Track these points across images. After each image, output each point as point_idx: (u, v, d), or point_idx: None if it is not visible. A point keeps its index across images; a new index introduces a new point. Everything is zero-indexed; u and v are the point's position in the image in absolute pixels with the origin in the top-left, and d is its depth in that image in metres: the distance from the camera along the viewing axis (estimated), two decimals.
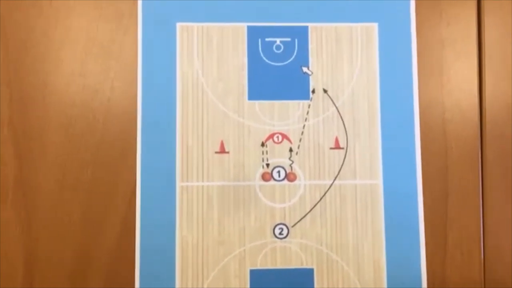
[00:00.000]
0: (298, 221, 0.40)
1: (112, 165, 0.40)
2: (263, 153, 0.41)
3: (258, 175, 0.40)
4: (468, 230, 0.41)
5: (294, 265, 0.40)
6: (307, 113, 0.41)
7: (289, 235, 0.40)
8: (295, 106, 0.41)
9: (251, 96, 0.41)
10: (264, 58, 0.42)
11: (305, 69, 0.42)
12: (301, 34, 0.42)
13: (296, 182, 0.41)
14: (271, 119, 0.41)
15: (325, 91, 0.41)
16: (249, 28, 0.42)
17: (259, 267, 0.40)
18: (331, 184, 0.41)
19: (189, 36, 0.41)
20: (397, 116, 0.41)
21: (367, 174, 0.41)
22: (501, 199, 0.41)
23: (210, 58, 0.41)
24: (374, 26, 0.42)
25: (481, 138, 0.42)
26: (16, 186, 0.40)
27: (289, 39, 0.42)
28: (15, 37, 0.41)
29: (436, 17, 0.42)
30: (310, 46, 0.42)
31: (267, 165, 0.41)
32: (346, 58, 0.42)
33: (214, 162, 0.40)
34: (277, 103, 0.41)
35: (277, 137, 0.41)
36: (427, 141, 0.41)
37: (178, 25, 0.42)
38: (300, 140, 0.41)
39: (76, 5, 0.42)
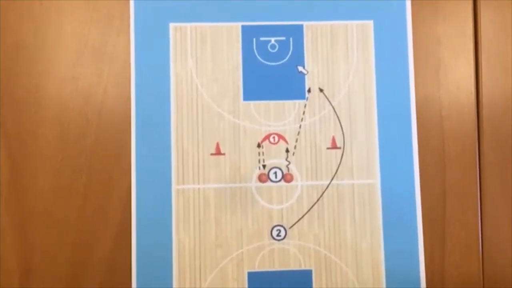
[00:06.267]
0: (296, 222, 0.40)
1: (106, 169, 0.40)
2: (259, 154, 0.40)
3: (255, 176, 0.40)
4: (466, 228, 0.41)
5: (292, 266, 0.40)
6: (303, 113, 0.41)
7: (286, 237, 0.40)
8: (291, 106, 0.41)
9: (246, 97, 0.41)
10: (259, 58, 0.41)
11: (300, 68, 0.41)
12: (296, 32, 0.41)
13: (293, 183, 0.40)
14: (267, 120, 0.41)
15: (321, 90, 0.41)
16: (243, 27, 0.41)
17: (257, 269, 0.39)
18: (329, 184, 0.40)
19: (183, 36, 0.41)
20: (393, 114, 0.41)
21: (365, 173, 0.40)
22: (499, 196, 0.41)
23: (204, 59, 0.41)
24: (370, 23, 0.42)
25: (478, 135, 0.42)
26: (10, 192, 0.39)
27: (284, 38, 0.41)
28: (6, 39, 0.41)
29: (432, 13, 0.42)
30: (305, 45, 0.41)
31: (264, 166, 0.40)
32: (342, 56, 0.41)
33: (210, 164, 0.40)
34: (272, 103, 0.41)
35: (273, 137, 0.41)
36: (424, 139, 0.41)
37: (171, 25, 0.41)
38: (297, 140, 0.41)
39: (67, 7, 0.41)
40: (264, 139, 0.41)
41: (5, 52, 0.40)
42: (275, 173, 0.40)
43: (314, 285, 0.39)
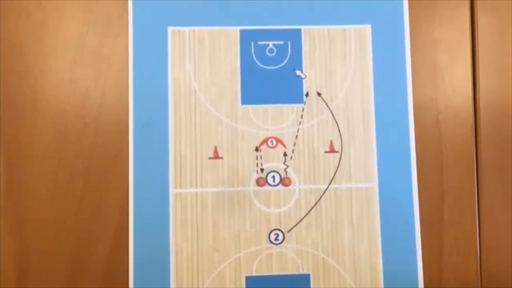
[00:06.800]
0: (294, 226, 0.40)
1: (104, 173, 0.40)
2: (257, 158, 0.40)
3: (253, 180, 0.40)
4: (464, 231, 0.41)
5: (290, 271, 0.39)
6: (301, 116, 0.41)
7: (284, 241, 0.40)
8: (289, 110, 0.41)
9: (244, 101, 0.41)
10: (257, 62, 0.41)
11: (298, 72, 0.41)
12: (294, 37, 0.41)
13: (291, 186, 0.40)
14: (265, 124, 0.41)
15: (319, 94, 0.41)
16: (241, 31, 0.41)
17: (255, 273, 0.39)
18: (326, 188, 0.40)
19: (181, 40, 0.41)
20: (391, 118, 0.41)
21: (362, 177, 0.40)
22: (496, 199, 0.41)
23: (202, 63, 0.41)
24: (367, 27, 0.42)
25: (476, 138, 0.42)
26: (7, 195, 0.39)
27: (282, 42, 0.41)
28: (3, 41, 0.40)
29: (429, 18, 0.42)
30: (303, 49, 0.41)
31: (262, 170, 0.40)
32: (340, 60, 0.41)
33: (208, 168, 0.40)
34: (270, 107, 0.41)
35: (271, 141, 0.40)
36: (422, 143, 0.41)
37: (170, 29, 0.41)
38: (295, 144, 0.40)
39: (65, 9, 0.41)
40: (262, 143, 0.40)
41: (2, 53, 0.40)
42: (273, 177, 0.40)
43: None
